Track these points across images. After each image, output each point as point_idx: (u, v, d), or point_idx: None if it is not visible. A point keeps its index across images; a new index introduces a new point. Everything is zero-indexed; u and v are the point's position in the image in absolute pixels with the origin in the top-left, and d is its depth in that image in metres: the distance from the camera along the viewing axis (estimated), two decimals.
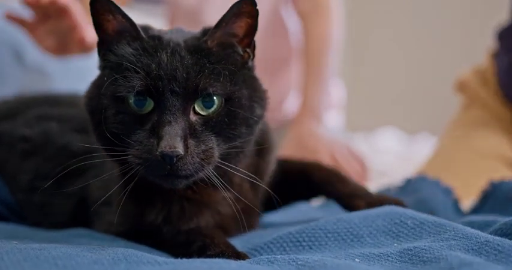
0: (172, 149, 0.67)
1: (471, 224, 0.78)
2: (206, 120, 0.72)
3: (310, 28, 1.63)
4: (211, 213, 0.81)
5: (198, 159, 0.70)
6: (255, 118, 0.76)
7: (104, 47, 0.77)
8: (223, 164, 0.74)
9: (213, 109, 0.72)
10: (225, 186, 0.76)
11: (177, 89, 0.70)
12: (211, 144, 0.72)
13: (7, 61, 1.85)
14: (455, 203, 1.10)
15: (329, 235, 0.75)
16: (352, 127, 2.43)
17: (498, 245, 0.64)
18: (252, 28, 0.76)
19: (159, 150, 0.68)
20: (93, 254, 0.63)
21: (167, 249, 0.77)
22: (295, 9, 1.68)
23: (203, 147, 0.71)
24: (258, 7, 0.74)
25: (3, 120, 1.08)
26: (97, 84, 0.77)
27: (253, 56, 0.79)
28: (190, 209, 0.79)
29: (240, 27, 0.75)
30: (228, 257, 0.69)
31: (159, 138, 0.68)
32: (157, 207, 0.80)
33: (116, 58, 0.75)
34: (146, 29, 0.78)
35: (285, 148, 1.48)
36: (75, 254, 0.62)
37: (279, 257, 0.67)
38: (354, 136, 2.39)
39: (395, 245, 0.71)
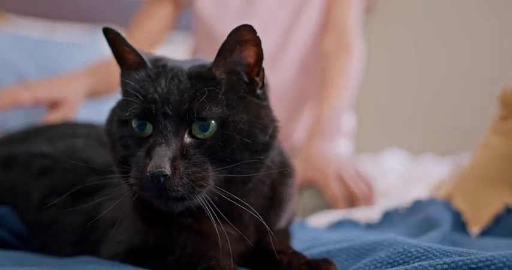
0: (158, 169, 0.68)
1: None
2: (200, 143, 0.73)
3: (331, 63, 1.69)
4: (208, 245, 0.79)
5: (187, 181, 0.70)
6: (259, 145, 0.75)
7: (121, 76, 0.81)
8: (222, 192, 0.73)
9: (207, 132, 0.73)
10: (224, 219, 0.76)
11: (169, 112, 0.72)
12: (204, 167, 0.72)
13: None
14: (463, 225, 1.10)
15: None
16: (357, 149, 2.43)
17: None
18: (260, 56, 0.77)
19: (147, 170, 0.69)
20: None
21: None
22: (320, 46, 1.74)
23: (194, 169, 0.71)
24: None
25: (18, 142, 1.10)
26: (111, 110, 0.81)
27: (262, 84, 0.79)
28: (187, 237, 0.79)
29: (250, 56, 0.76)
30: None
31: (150, 158, 0.70)
32: (158, 229, 0.80)
33: (124, 86, 0.79)
34: (158, 59, 0.80)
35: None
36: None
37: None
38: (359, 158, 2.38)
39: (400, 267, 0.71)
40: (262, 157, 0.76)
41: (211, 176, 0.72)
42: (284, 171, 0.85)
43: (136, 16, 1.83)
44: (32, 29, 2.22)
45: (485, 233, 1.07)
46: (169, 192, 0.70)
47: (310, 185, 1.49)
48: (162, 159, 0.69)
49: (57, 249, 0.94)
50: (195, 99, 0.72)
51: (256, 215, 0.77)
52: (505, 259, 0.64)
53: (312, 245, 0.93)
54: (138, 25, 1.79)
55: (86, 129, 1.10)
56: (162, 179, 0.69)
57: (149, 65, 0.78)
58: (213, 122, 0.72)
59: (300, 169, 1.44)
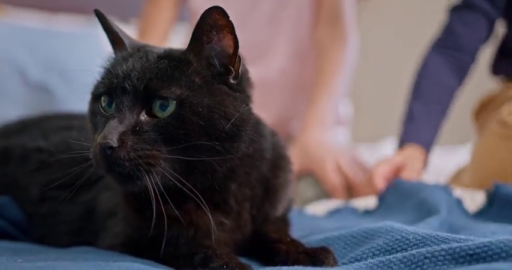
0: (104, 140, 0.68)
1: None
2: (156, 123, 0.71)
3: (326, 52, 1.68)
4: (201, 235, 0.78)
5: (134, 156, 0.69)
6: (219, 132, 0.73)
7: None
8: (175, 178, 0.72)
9: (165, 112, 0.72)
10: (214, 208, 0.76)
11: (128, 87, 0.72)
12: (155, 146, 0.70)
13: (11, 80, 1.86)
14: (459, 203, 1.10)
15: None
16: (356, 139, 2.43)
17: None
18: (236, 45, 0.75)
19: (97, 141, 0.69)
20: None
21: (169, 262, 0.76)
22: (314, 36, 1.74)
23: (143, 146, 0.70)
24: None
25: (14, 135, 1.10)
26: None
27: (237, 74, 0.77)
28: (178, 228, 0.78)
29: (229, 46, 0.75)
30: (232, 268, 0.69)
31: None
32: (149, 221, 0.78)
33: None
34: (145, 46, 0.81)
35: (291, 157, 1.49)
36: None
37: (284, 268, 0.68)
38: (358, 147, 2.38)
39: (398, 254, 0.71)
40: (225, 145, 0.74)
41: (163, 157, 0.71)
42: (277, 164, 0.85)
43: (144, 11, 1.82)
44: (28, 20, 2.21)
45: (483, 210, 1.07)
46: (116, 166, 0.69)
47: (308, 174, 1.49)
48: (111, 132, 0.69)
49: (57, 240, 0.95)
50: (155, 77, 0.72)
51: (204, 205, 0.74)
52: (502, 245, 0.64)
53: (310, 233, 0.93)
54: (149, 20, 1.79)
55: (81, 122, 1.10)
56: (108, 151, 0.68)
57: (128, 48, 0.79)
58: (174, 101, 0.71)
59: (297, 159, 1.44)
